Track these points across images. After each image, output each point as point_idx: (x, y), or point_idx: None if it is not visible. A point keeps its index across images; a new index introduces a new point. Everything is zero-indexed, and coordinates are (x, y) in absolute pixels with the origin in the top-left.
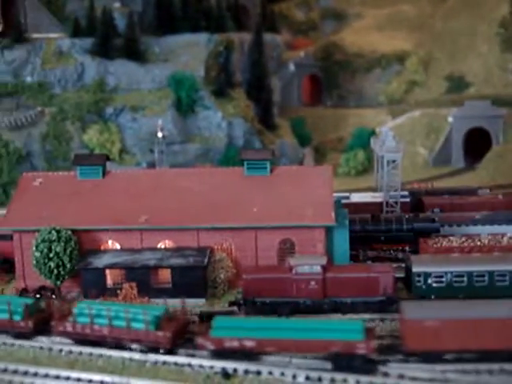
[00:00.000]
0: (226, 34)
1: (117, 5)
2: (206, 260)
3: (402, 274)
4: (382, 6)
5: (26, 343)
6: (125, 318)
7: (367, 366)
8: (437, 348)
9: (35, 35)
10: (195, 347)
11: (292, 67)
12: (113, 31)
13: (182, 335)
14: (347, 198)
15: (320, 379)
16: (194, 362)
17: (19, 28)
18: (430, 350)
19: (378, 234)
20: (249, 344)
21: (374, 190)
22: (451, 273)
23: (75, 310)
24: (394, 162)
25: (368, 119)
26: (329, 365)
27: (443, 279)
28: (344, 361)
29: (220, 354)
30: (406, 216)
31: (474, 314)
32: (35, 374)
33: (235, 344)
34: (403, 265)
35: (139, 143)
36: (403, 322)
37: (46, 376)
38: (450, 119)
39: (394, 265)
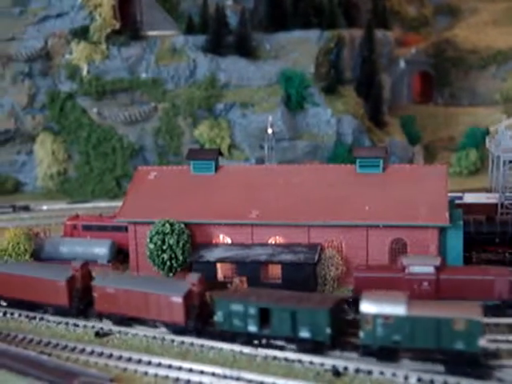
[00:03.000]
0: (337, 31)
1: (229, 2)
2: (316, 257)
3: None
4: (499, 0)
5: (140, 332)
6: None
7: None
8: (115, 311)
9: (150, 33)
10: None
11: (403, 64)
12: (225, 28)
13: None
14: (460, 198)
15: (432, 382)
16: (305, 358)
17: (135, 26)
18: (112, 313)
19: (492, 235)
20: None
21: (487, 190)
22: None
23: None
24: (510, 162)
25: (481, 118)
26: (441, 367)
27: None
28: None
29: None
30: None
31: (138, 288)
32: (149, 363)
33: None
34: None
35: (248, 139)
36: (93, 288)
37: (159, 365)
38: None
39: (510, 268)
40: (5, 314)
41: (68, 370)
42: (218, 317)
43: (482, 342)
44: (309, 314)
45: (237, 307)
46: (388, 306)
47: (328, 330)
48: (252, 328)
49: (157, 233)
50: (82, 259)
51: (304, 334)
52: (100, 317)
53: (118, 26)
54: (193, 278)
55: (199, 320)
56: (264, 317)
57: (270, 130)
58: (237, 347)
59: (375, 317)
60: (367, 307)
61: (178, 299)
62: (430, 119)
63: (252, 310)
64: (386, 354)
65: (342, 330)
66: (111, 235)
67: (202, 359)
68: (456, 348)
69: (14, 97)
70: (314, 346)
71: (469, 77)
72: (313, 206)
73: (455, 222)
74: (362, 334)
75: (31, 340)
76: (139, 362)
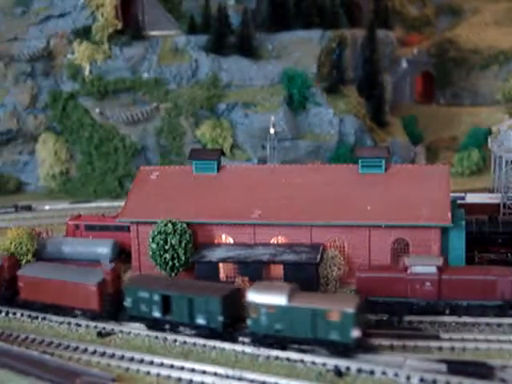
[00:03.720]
0: (339, 31)
1: (231, 2)
2: (318, 257)
3: None
4: (500, 0)
5: (142, 332)
6: None
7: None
8: (38, 299)
9: (152, 32)
10: None
11: (404, 64)
12: (227, 28)
13: None
14: (463, 198)
15: (435, 382)
16: (307, 358)
17: (137, 25)
18: (35, 300)
19: (495, 236)
20: None
21: (490, 190)
22: None
23: None
24: None
25: (483, 118)
26: (444, 367)
27: None
28: None
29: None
30: None
31: (57, 277)
32: (151, 363)
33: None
34: None
35: (250, 139)
36: (18, 278)
37: (161, 365)
38: None
39: None
40: (7, 313)
41: (70, 369)
42: (128, 303)
43: (356, 333)
44: (203, 302)
45: (143, 294)
46: (271, 296)
47: (220, 318)
48: (156, 314)
49: (159, 233)
50: (84, 259)
51: (200, 320)
52: (25, 305)
53: (120, 25)
54: (107, 267)
55: (113, 306)
56: (166, 303)
57: (272, 130)
58: (239, 347)
59: (260, 306)
60: (253, 297)
61: (92, 287)
62: (432, 119)
63: (156, 297)
64: (272, 341)
65: (240, 318)
66: (113, 235)
67: (204, 359)
68: (331, 338)
69: (16, 97)
70: (209, 333)
71: (471, 77)
72: (315, 206)
73: (457, 222)
74: (249, 322)
75: (33, 340)
76: (141, 361)
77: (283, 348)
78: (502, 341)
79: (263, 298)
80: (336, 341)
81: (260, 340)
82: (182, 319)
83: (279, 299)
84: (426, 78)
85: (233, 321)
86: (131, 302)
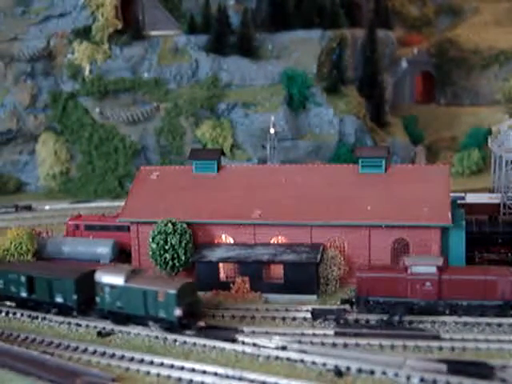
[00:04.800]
0: (340, 31)
1: (231, 2)
2: (318, 257)
3: None
4: (500, 0)
5: (142, 332)
6: None
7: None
8: None
9: (152, 32)
10: None
11: (405, 64)
12: (227, 28)
13: None
14: (463, 198)
15: (435, 382)
16: (307, 358)
17: (137, 25)
18: None
19: (495, 236)
20: None
21: (490, 190)
22: None
23: None
24: None
25: (483, 118)
26: (444, 367)
27: None
28: None
29: None
30: None
31: None
32: (151, 363)
33: None
34: None
35: (250, 139)
36: None
37: (162, 365)
38: None
39: None
40: (7, 313)
41: (70, 369)
42: (0, 284)
43: (178, 312)
44: (60, 283)
45: (12, 276)
46: (112, 277)
47: (74, 297)
48: (23, 293)
49: (159, 232)
50: (84, 259)
51: (58, 299)
52: None
53: (120, 25)
54: None
55: None
56: (31, 284)
57: (272, 130)
58: (239, 347)
59: (104, 285)
60: (99, 277)
61: None
62: (432, 119)
63: (22, 279)
64: (115, 318)
65: (93, 297)
66: (113, 235)
67: (205, 359)
68: (160, 316)
69: (16, 96)
70: (65, 310)
71: (471, 77)
72: (315, 206)
73: (458, 222)
74: (97, 299)
75: (34, 339)
76: (141, 361)
77: (124, 323)
78: (503, 341)
79: (107, 278)
80: (164, 318)
81: (105, 316)
82: (43, 298)
83: (118, 279)
84: (426, 78)
85: (86, 299)
86: (3, 284)
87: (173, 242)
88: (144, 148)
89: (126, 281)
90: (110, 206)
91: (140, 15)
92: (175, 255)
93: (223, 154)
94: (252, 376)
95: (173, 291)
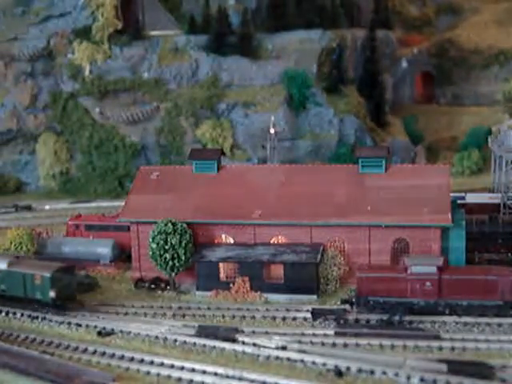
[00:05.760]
0: (339, 31)
1: (231, 2)
2: (318, 257)
3: None
4: (500, 0)
5: (142, 332)
6: None
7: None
8: None
9: (152, 32)
10: None
11: (405, 64)
12: (227, 28)
13: None
14: (463, 198)
15: (435, 382)
16: (307, 358)
17: (137, 25)
18: None
19: (495, 235)
20: None
21: (490, 190)
22: None
23: None
24: None
25: (483, 118)
26: (444, 367)
27: None
28: None
29: None
30: None
31: None
32: (151, 363)
33: None
34: None
35: (250, 139)
36: None
37: (162, 365)
38: None
39: None
40: (7, 313)
41: (70, 369)
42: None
43: (52, 294)
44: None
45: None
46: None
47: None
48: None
49: (159, 232)
50: (84, 259)
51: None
52: None
53: (120, 25)
54: None
55: None
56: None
57: (272, 130)
58: (239, 347)
59: None
60: None
61: None
62: (433, 119)
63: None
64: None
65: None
66: (114, 235)
67: (205, 359)
68: (37, 297)
69: (16, 96)
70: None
71: (471, 77)
72: (315, 206)
73: (458, 222)
74: None
75: (34, 339)
76: (141, 361)
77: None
78: (503, 341)
79: None
80: (40, 299)
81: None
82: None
83: (1, 265)
84: (426, 78)
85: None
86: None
87: (173, 242)
88: (144, 148)
89: (8, 266)
90: (110, 205)
91: (140, 15)
92: (175, 255)
93: (223, 154)
94: (252, 376)
95: (47, 274)
